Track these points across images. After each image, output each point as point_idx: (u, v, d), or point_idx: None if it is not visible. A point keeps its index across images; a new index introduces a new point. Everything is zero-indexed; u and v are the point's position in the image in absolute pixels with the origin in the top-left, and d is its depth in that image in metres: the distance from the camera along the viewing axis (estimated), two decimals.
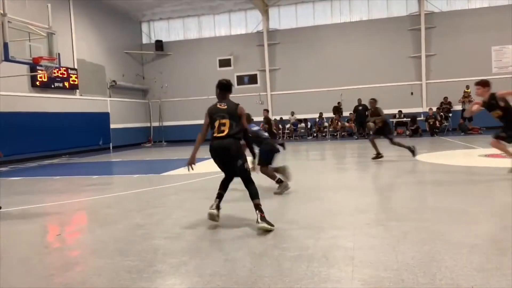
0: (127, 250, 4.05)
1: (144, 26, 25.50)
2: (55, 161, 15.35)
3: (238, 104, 4.95)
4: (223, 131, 4.70)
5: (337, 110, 21.52)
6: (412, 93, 21.29)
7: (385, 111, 21.68)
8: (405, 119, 20.16)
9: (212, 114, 4.91)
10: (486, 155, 10.17)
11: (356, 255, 3.56)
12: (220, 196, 5.03)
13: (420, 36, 21.06)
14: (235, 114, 4.83)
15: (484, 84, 7.34)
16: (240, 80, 23.73)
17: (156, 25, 25.35)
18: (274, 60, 23.16)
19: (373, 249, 3.72)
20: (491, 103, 7.02)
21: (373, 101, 11.35)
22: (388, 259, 3.42)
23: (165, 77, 24.62)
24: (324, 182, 7.86)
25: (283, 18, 23.37)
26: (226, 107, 4.89)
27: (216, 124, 4.79)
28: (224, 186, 5.14)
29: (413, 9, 21.56)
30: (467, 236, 3.94)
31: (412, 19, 21.44)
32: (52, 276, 3.46)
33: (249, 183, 4.79)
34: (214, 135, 4.79)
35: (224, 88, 5.21)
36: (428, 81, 21.25)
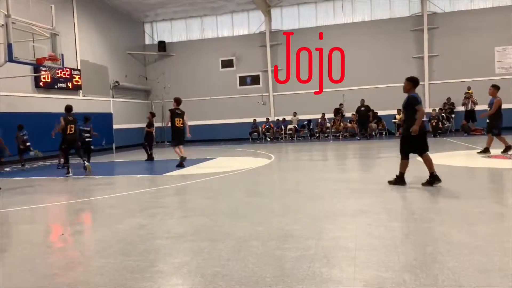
0: (130, 250, 4.07)
1: (147, 27, 25.56)
2: (50, 162, 15.37)
3: (75, 118, 11.17)
4: (72, 130, 10.81)
5: (338, 111, 21.49)
6: None
7: (387, 112, 21.66)
8: None
9: (66, 121, 10.78)
10: (488, 156, 10.14)
11: (358, 256, 3.56)
12: (69, 162, 11.22)
13: (423, 36, 21.03)
14: (76, 122, 11.09)
15: None
16: (243, 80, 23.75)
17: (159, 26, 25.41)
18: (276, 61, 23.17)
19: (375, 249, 3.72)
20: None
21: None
22: (390, 260, 3.42)
23: (168, 78, 24.68)
24: (326, 182, 7.86)
25: (286, 19, 23.38)
26: (72, 119, 10.97)
27: (68, 127, 10.75)
28: (68, 158, 11.32)
29: (416, 9, 21.53)
30: (469, 237, 3.94)
31: (415, 19, 21.41)
32: (55, 275, 3.48)
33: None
34: (68, 132, 10.78)
35: (70, 109, 11.08)
36: (430, 82, 21.21)
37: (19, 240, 4.80)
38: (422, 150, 6.78)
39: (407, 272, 3.14)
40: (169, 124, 11.23)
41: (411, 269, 3.21)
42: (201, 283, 3.15)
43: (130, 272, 3.44)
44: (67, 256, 4.14)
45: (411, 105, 6.64)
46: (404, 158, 6.88)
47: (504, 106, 10.63)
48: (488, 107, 10.77)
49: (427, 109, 20.74)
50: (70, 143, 10.95)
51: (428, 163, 6.76)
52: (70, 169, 10.91)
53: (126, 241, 4.44)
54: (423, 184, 6.73)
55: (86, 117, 12.51)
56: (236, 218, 5.24)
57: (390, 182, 6.99)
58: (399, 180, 6.89)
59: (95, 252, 4.15)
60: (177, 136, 11.26)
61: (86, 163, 10.67)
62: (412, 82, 6.82)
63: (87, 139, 12.11)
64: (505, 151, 10.39)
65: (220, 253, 3.82)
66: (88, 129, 12.27)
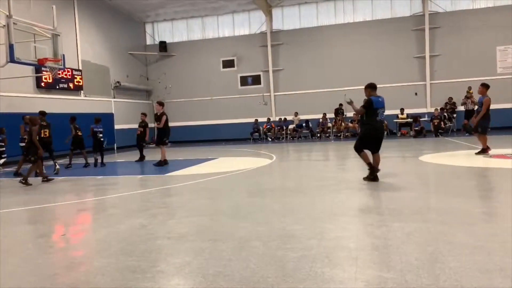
0: (131, 250, 4.07)
1: (148, 27, 25.58)
2: (60, 161, 15.40)
3: (50, 122, 11.44)
4: (46, 134, 10.96)
5: (338, 111, 21.50)
6: (416, 94, 21.25)
7: (389, 112, 21.61)
8: (409, 119, 20.10)
9: (40, 126, 10.56)
10: (490, 156, 10.13)
11: (360, 256, 3.56)
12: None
13: (424, 36, 21.01)
14: (49, 127, 11.20)
15: None
16: (244, 81, 23.75)
17: (160, 26, 25.43)
18: (277, 61, 23.18)
19: (376, 250, 3.72)
20: None
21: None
22: (392, 260, 3.42)
23: (169, 78, 24.70)
24: (327, 182, 7.85)
25: (287, 19, 23.38)
26: (46, 123, 11.13)
27: (41, 130, 10.70)
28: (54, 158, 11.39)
29: (417, 9, 21.51)
30: (470, 237, 3.93)
31: (416, 19, 21.39)
32: (56, 275, 3.49)
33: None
34: (42, 136, 10.70)
35: (44, 114, 11.46)
36: (432, 82, 21.18)
37: (21, 240, 4.81)
38: (374, 150, 7.45)
39: (408, 272, 3.14)
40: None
41: (412, 269, 3.20)
42: (202, 283, 3.15)
43: (132, 272, 3.45)
44: (69, 256, 4.15)
45: (365, 106, 7.42)
46: (360, 152, 7.42)
47: (505, 106, 10.60)
48: (478, 106, 10.75)
49: (429, 109, 20.74)
50: (45, 146, 11.34)
51: (377, 161, 7.45)
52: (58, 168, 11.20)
53: (127, 241, 4.44)
54: (364, 179, 7.42)
55: (97, 118, 13.28)
56: (237, 218, 5.24)
57: (365, 178, 7.35)
58: (372, 172, 7.28)
59: (97, 252, 4.15)
60: (167, 136, 12.45)
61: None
62: (369, 88, 7.51)
63: (101, 139, 13.05)
64: (480, 152, 10.42)
65: (221, 253, 3.82)
66: (101, 129, 13.05)
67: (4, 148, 12.48)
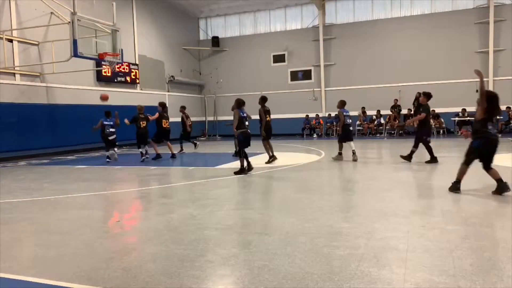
0: (181, 239, 4.21)
1: (202, 23, 26.09)
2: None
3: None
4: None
5: (393, 108, 20.79)
6: (477, 91, 19.98)
7: (447, 110, 20.50)
8: (469, 118, 18.99)
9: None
10: None
11: (409, 258, 3.44)
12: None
13: (488, 29, 19.72)
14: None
15: None
16: (294, 75, 23.60)
17: (213, 21, 25.84)
18: (329, 55, 22.78)
19: (428, 252, 3.58)
20: None
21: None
22: (444, 264, 3.28)
23: (221, 73, 25.09)
24: (378, 181, 7.65)
25: (340, 12, 22.88)
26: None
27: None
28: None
29: (481, 1, 20.23)
30: None
31: (480, 11, 20.11)
32: (111, 259, 3.69)
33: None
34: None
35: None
36: (495, 78, 19.88)
37: (80, 224, 5.12)
38: None
39: (462, 278, 2.99)
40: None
41: (466, 274, 3.05)
42: (248, 275, 3.20)
43: (181, 261, 3.56)
44: (123, 241, 4.37)
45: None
46: None
47: None
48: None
49: None
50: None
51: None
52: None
53: (178, 230, 4.60)
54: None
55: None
56: (285, 213, 5.24)
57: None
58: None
59: (148, 239, 4.33)
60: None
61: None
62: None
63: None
64: None
65: (267, 247, 3.85)
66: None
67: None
